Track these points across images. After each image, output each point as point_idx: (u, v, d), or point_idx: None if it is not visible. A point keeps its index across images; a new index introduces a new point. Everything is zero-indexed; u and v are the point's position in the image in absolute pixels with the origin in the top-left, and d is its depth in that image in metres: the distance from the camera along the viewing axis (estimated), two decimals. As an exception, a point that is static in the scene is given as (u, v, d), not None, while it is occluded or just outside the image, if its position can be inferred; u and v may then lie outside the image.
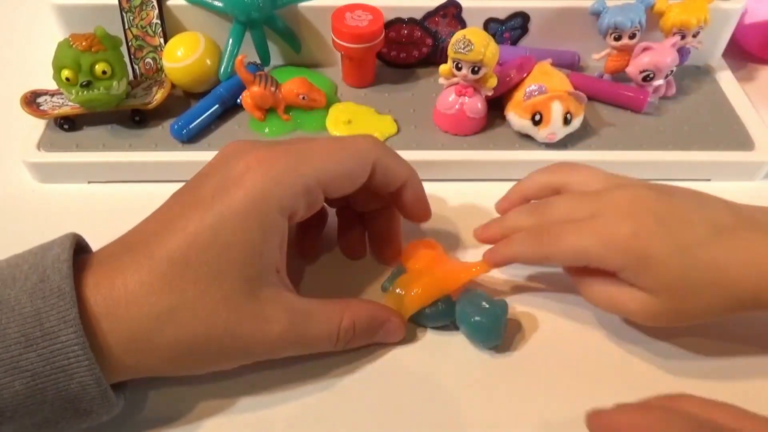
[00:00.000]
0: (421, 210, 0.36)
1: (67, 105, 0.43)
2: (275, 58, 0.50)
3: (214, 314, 0.28)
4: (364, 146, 0.32)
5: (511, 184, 0.38)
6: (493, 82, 0.42)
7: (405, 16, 0.47)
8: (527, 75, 0.44)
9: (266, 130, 0.44)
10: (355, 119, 0.44)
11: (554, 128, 0.42)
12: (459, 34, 0.40)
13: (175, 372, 0.30)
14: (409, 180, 0.34)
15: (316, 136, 0.34)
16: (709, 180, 0.44)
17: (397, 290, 0.34)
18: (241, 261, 0.28)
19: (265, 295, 0.29)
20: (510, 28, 0.48)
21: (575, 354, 0.34)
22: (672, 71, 0.45)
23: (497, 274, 0.38)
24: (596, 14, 0.46)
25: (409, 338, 0.35)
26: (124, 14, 0.46)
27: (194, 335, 0.28)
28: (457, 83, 0.43)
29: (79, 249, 0.29)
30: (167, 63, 0.44)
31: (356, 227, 0.38)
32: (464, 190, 0.43)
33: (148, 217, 0.30)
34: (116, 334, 0.27)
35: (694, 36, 0.46)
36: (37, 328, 0.26)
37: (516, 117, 0.43)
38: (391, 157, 0.33)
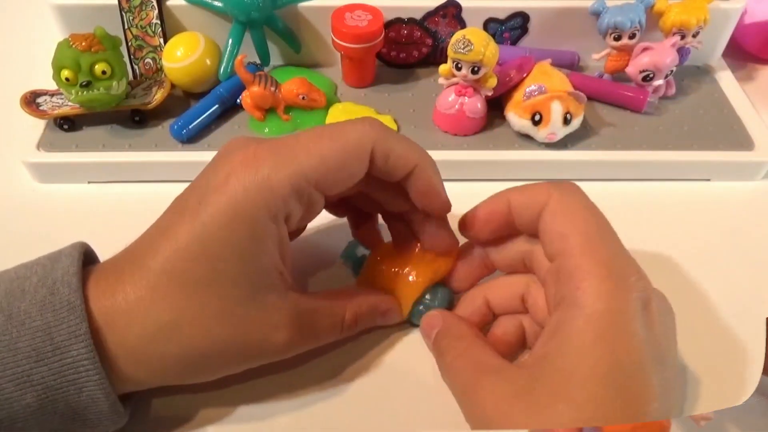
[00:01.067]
0: (434, 200, 0.32)
1: (66, 105, 0.43)
2: (275, 58, 0.49)
3: (216, 327, 0.27)
4: (359, 132, 0.29)
5: (510, 184, 0.36)
6: (492, 82, 0.42)
7: (405, 16, 0.47)
8: (527, 75, 0.44)
9: (266, 130, 0.44)
10: (355, 119, 0.44)
11: (554, 128, 0.42)
12: (459, 34, 0.40)
13: (181, 381, 0.30)
14: (419, 165, 0.30)
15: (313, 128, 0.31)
16: (708, 180, 0.44)
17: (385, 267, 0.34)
18: (234, 272, 0.27)
19: (270, 301, 0.28)
20: (510, 28, 0.48)
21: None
22: (672, 71, 0.45)
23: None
24: (596, 14, 0.46)
25: (412, 344, 0.34)
26: (124, 14, 0.46)
27: (195, 348, 0.27)
28: (456, 83, 0.43)
29: (87, 258, 0.29)
30: (167, 63, 0.44)
31: (369, 220, 0.36)
32: (464, 190, 0.43)
33: (151, 226, 0.29)
34: (120, 346, 0.27)
35: (694, 36, 0.46)
36: (47, 342, 0.25)
37: (516, 117, 0.43)
38: (394, 140, 0.29)
